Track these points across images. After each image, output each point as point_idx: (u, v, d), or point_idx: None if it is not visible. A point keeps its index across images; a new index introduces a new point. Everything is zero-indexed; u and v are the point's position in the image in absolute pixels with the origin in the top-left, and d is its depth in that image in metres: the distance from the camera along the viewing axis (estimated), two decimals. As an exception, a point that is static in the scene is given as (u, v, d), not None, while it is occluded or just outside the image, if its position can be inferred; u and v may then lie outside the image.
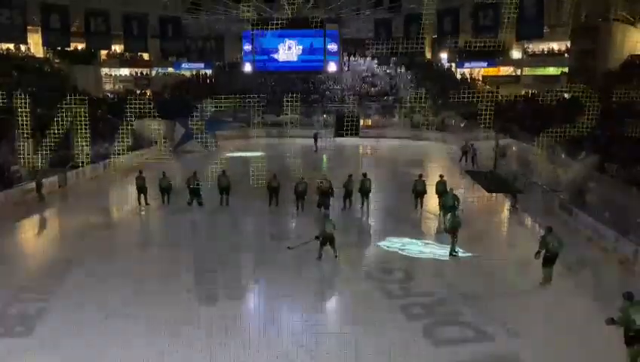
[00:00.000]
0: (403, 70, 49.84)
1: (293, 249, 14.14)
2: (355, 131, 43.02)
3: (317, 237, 13.68)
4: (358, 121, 43.86)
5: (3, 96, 18.44)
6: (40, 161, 18.72)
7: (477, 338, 10.10)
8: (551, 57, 44.39)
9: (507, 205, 20.24)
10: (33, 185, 21.08)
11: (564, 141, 22.32)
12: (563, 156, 22.06)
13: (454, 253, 14.48)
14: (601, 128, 23.04)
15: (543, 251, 12.25)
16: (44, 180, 21.93)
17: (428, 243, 15.75)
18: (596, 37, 34.54)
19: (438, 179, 19.25)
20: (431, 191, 19.21)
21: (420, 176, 19.64)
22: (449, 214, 14.94)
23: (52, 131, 18.55)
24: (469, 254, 14.63)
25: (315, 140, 36.08)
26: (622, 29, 33.10)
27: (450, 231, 14.44)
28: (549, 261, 12.29)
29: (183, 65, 52.04)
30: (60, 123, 18.47)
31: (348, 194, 19.20)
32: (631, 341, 8.88)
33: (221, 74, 51.81)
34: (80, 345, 9.78)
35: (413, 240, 15.90)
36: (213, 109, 24.07)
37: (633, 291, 9.14)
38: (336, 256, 13.80)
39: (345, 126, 43.02)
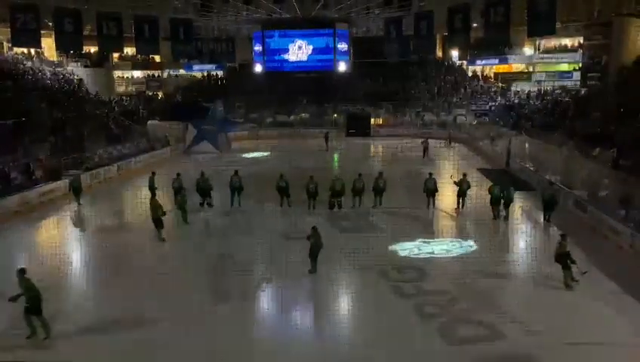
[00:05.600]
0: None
1: None
2: (366, 131, 43.10)
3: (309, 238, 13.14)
4: (369, 121, 43.84)
5: (19, 100, 18.72)
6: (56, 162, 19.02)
7: (491, 337, 10.04)
8: (564, 53, 43.93)
9: (520, 203, 20.14)
10: (48, 187, 21.40)
11: (578, 137, 22.13)
12: (577, 153, 21.86)
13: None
14: (616, 124, 22.83)
15: None
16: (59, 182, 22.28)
17: (441, 242, 15.71)
18: (609, 32, 34.15)
19: (461, 177, 19.18)
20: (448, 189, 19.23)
21: (430, 174, 19.58)
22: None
23: (67, 134, 18.79)
24: (474, 246, 14.62)
25: (326, 140, 36.09)
26: (635, 24, 32.63)
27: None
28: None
29: (195, 67, 52.43)
30: (74, 126, 18.71)
31: (357, 193, 19.19)
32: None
33: (232, 75, 52.07)
34: (97, 344, 9.90)
35: (427, 239, 15.86)
36: (224, 110, 24.21)
37: None
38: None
39: (356, 125, 43.36)
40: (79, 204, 20.54)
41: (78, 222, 19.25)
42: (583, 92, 34.84)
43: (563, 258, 12.07)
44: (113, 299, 11.88)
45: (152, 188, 19.92)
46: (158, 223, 15.84)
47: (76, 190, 20.61)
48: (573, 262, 12.08)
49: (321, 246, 13.10)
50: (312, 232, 13.14)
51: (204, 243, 16.35)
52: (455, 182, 19.00)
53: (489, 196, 18.08)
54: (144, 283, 12.96)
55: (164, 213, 15.96)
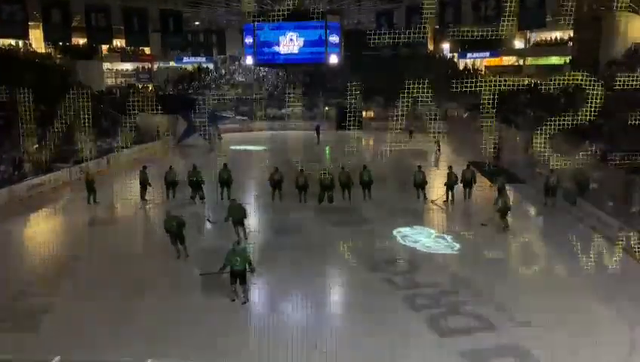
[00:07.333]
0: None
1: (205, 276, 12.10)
2: (357, 124, 42.94)
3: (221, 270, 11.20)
4: (360, 114, 43.73)
5: (6, 93, 18.45)
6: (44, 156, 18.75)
7: (481, 328, 10.13)
8: (554, 47, 44.09)
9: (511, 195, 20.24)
10: (37, 181, 21.21)
11: (567, 130, 22.17)
12: (566, 146, 21.97)
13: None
14: (605, 117, 22.95)
15: None
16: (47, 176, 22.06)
17: (431, 234, 15.78)
18: (600, 26, 34.28)
19: (447, 170, 19.42)
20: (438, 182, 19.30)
21: (419, 167, 19.70)
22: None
23: (55, 127, 18.56)
24: (465, 238, 14.73)
25: (317, 132, 36.02)
26: (626, 18, 32.81)
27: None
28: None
29: (185, 60, 52.04)
30: (63, 118, 18.47)
31: (344, 186, 19.20)
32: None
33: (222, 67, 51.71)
34: (86, 341, 9.85)
35: (417, 231, 15.94)
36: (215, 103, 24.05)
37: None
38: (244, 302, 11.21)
39: (347, 118, 43.13)
40: (94, 201, 19.49)
41: (68, 215, 19.10)
42: (572, 85, 34.97)
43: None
44: (103, 296, 11.80)
45: (145, 184, 19.66)
46: (176, 237, 13.57)
47: (90, 186, 19.56)
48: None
49: (243, 269, 11.01)
50: (229, 249, 11.14)
51: (194, 238, 16.25)
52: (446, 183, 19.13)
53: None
54: (133, 278, 12.90)
55: (183, 224, 13.66)
